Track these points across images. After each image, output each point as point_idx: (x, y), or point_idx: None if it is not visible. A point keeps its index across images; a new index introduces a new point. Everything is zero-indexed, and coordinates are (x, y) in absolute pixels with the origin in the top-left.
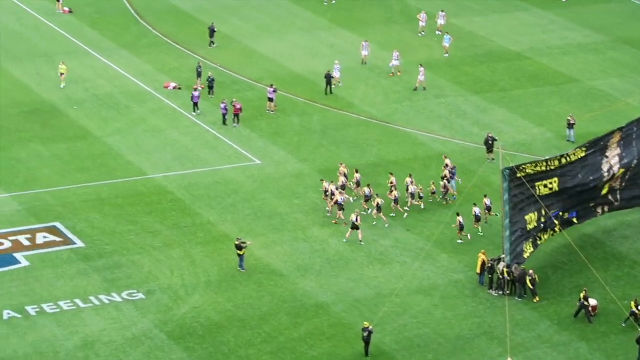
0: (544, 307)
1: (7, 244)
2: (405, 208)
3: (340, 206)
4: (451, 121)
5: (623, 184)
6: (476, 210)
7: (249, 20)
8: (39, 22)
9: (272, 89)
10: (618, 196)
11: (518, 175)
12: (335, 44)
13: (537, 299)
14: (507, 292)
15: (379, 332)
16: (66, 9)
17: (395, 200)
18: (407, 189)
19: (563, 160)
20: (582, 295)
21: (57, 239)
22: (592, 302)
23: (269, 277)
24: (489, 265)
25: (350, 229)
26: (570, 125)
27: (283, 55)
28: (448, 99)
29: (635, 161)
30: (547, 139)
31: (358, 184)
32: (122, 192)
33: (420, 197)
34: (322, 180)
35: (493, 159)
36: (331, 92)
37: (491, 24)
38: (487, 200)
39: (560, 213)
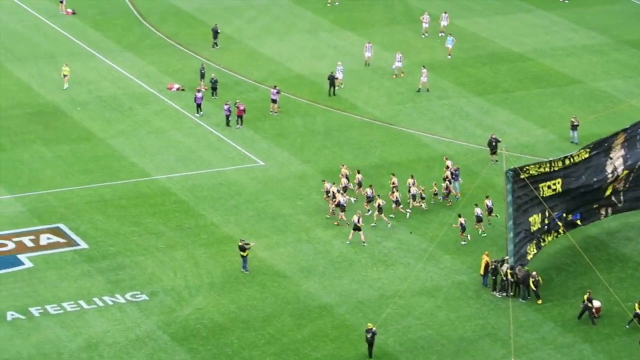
0: (547, 309)
1: (10, 245)
2: (408, 210)
3: (342, 208)
4: (454, 123)
5: (627, 185)
6: (478, 211)
7: (253, 21)
8: (42, 24)
9: (275, 91)
10: (621, 197)
11: (522, 176)
12: (339, 46)
13: (541, 301)
14: (511, 293)
15: (383, 333)
16: (69, 10)
17: (397, 202)
18: (409, 190)
19: (567, 162)
20: (586, 297)
21: (61, 240)
22: (596, 304)
23: (273, 279)
24: (493, 267)
25: (352, 231)
26: (574, 127)
27: (286, 56)
28: (451, 100)
29: (639, 163)
30: (550, 140)
31: (360, 184)
32: (125, 194)
33: (422, 198)
34: (323, 181)
35: (497, 161)
36: (334, 94)
37: (494, 26)
38: (488, 202)
39: (564, 215)
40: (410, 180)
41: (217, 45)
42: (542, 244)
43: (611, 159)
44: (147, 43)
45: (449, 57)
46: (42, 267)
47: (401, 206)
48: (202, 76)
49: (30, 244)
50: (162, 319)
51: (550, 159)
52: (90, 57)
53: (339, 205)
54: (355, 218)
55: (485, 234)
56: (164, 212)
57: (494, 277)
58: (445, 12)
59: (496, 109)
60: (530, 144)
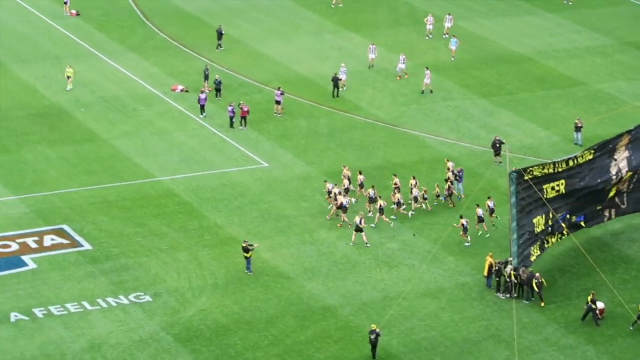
0: (551, 311)
1: (14, 246)
2: (411, 212)
3: (345, 209)
4: (458, 124)
5: (631, 186)
6: (479, 211)
7: (257, 23)
8: (46, 25)
9: (279, 92)
10: (625, 199)
11: (525, 178)
12: (343, 47)
13: (544, 303)
14: (515, 295)
15: (387, 335)
16: (73, 11)
17: (398, 204)
18: (411, 192)
19: (571, 163)
20: (589, 298)
21: (65, 241)
22: (600, 305)
23: (276, 280)
24: (497, 268)
25: (354, 232)
26: (577, 129)
27: (290, 58)
28: (455, 102)
29: None
30: (554, 142)
31: (362, 185)
32: (129, 195)
33: (424, 199)
34: (325, 181)
35: (500, 162)
36: (338, 95)
37: (498, 27)
38: (490, 202)
39: (568, 216)
40: (412, 182)
41: (221, 47)
42: (546, 246)
43: (615, 160)
44: (151, 44)
45: (453, 59)
46: (46, 268)
47: (403, 207)
48: (206, 77)
49: (34, 245)
50: (166, 320)
51: (554, 160)
52: (94, 58)
53: (341, 206)
54: (357, 219)
55: (488, 234)
56: (167, 213)
57: (497, 279)
58: (449, 14)
59: (500, 110)
60: (534, 145)
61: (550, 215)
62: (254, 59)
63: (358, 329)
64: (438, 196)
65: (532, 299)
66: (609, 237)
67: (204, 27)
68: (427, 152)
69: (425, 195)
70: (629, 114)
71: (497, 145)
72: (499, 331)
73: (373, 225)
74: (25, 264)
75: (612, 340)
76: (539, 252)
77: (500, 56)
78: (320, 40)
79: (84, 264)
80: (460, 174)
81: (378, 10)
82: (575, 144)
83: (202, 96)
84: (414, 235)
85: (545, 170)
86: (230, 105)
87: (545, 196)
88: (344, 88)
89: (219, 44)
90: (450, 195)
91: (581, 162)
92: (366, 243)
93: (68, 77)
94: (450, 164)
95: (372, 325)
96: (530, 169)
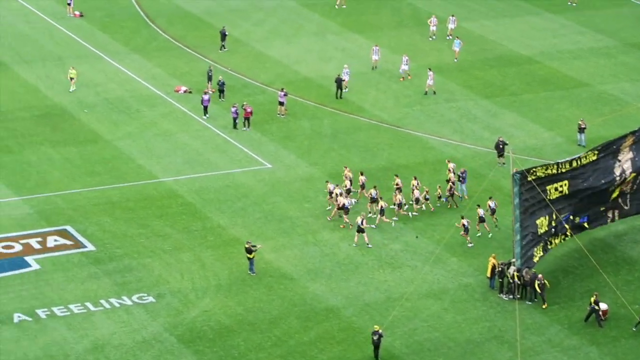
0: (554, 312)
1: (18, 247)
2: (414, 213)
3: (346, 210)
4: (462, 125)
5: (634, 187)
6: (480, 212)
7: (260, 24)
8: (49, 26)
9: (283, 93)
10: (628, 200)
11: (529, 178)
12: (346, 48)
13: (546, 305)
14: (518, 296)
15: (389, 336)
16: (77, 12)
17: (399, 205)
18: (412, 192)
19: (574, 164)
20: (592, 299)
21: (68, 242)
22: (603, 306)
23: (279, 281)
24: (500, 269)
25: (356, 233)
26: (581, 130)
27: (294, 59)
28: (459, 103)
29: None
30: (557, 143)
31: (363, 186)
32: (132, 196)
33: (426, 199)
34: (327, 182)
35: (504, 164)
36: (341, 97)
37: (502, 28)
38: (491, 203)
39: (571, 217)
40: (414, 182)
41: (224, 48)
42: (550, 247)
43: (619, 161)
44: (154, 45)
45: (456, 60)
46: (49, 269)
47: (406, 207)
48: (210, 78)
49: (37, 246)
50: (169, 321)
51: (558, 161)
52: (97, 59)
53: (342, 207)
54: (358, 220)
55: (490, 234)
56: (171, 214)
57: (500, 280)
58: (453, 15)
59: (504, 111)
60: (537, 146)
61: (554, 217)
62: (258, 60)
63: (361, 330)
64: (440, 197)
65: (535, 300)
66: (612, 239)
67: (208, 28)
68: (431, 153)
69: (427, 196)
70: (633, 115)
71: (501, 146)
72: (502, 332)
73: (374, 226)
74: (29, 265)
75: (615, 341)
76: (542, 253)
77: (503, 57)
78: (324, 41)
79: (87, 265)
80: (464, 175)
81: (381, 12)
82: (579, 145)
83: (206, 97)
84: (417, 237)
85: (549, 171)
86: (233, 107)
87: (548, 197)
88: (346, 89)
89: (223, 45)
90: (451, 195)
91: (585, 162)
92: (367, 244)
93: (71, 79)
94: (451, 165)
95: (375, 326)
96: (534, 169)
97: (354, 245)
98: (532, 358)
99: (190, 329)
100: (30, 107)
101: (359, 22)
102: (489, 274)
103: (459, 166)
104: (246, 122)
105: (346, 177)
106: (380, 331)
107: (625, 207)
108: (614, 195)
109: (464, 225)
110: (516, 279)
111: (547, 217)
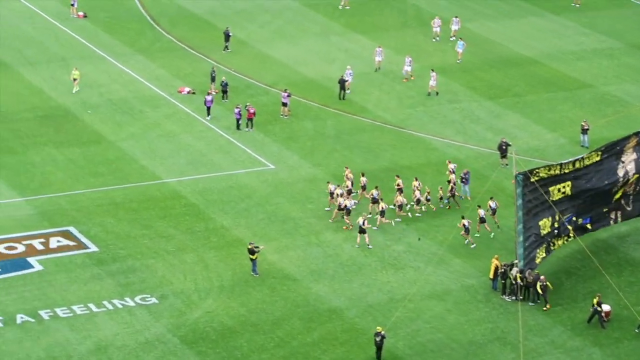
0: (557, 313)
1: (20, 248)
2: (417, 214)
3: (348, 211)
4: (465, 126)
5: (637, 188)
6: (481, 212)
7: (264, 25)
8: (53, 27)
9: (286, 94)
10: (630, 201)
11: (532, 180)
12: (350, 49)
13: (548, 306)
14: (521, 297)
15: (392, 337)
16: (81, 13)
17: (400, 206)
18: (413, 193)
19: (577, 164)
20: (595, 301)
21: (71, 243)
22: (606, 307)
23: (282, 282)
24: (503, 270)
25: (358, 234)
26: (584, 131)
27: (297, 60)
28: (462, 104)
29: None
30: (560, 144)
31: (364, 187)
32: (136, 197)
33: (427, 200)
34: (328, 182)
35: (507, 165)
36: (345, 98)
37: (505, 30)
38: (492, 203)
39: (574, 218)
40: (415, 183)
41: (228, 49)
42: (552, 248)
43: (623, 162)
44: (158, 46)
45: (459, 61)
46: (52, 270)
47: (408, 207)
48: (213, 79)
49: (40, 247)
50: (172, 322)
51: (561, 162)
52: (101, 60)
53: (344, 209)
54: (360, 221)
55: (493, 234)
56: (174, 215)
57: (503, 281)
58: (456, 16)
59: (507, 112)
60: (540, 148)
61: (557, 218)
62: (261, 61)
63: (364, 331)
64: (441, 199)
65: (538, 301)
66: (615, 240)
67: (211, 29)
68: (434, 154)
69: (429, 197)
70: (636, 117)
71: (504, 147)
72: (504, 334)
73: (375, 228)
74: (31, 266)
75: (618, 342)
76: (544, 255)
77: (506, 58)
78: (327, 42)
79: (90, 266)
80: (467, 176)
81: (385, 13)
82: (582, 146)
83: (209, 98)
84: (419, 239)
85: (552, 172)
86: (237, 107)
87: (551, 198)
88: (349, 90)
89: (226, 46)
90: (452, 196)
91: (588, 163)
92: (368, 245)
93: (74, 80)
94: (451, 166)
95: (378, 327)
96: (537, 170)
97: (357, 246)
98: (535, 359)
99: (193, 330)
100: (33, 108)
101: (363, 23)
102: (491, 275)
103: (462, 167)
104: (249, 123)
105: (347, 178)
106: (383, 332)
107: (628, 209)
108: (617, 196)
109: (464, 225)
110: (519, 280)
111: (550, 219)
